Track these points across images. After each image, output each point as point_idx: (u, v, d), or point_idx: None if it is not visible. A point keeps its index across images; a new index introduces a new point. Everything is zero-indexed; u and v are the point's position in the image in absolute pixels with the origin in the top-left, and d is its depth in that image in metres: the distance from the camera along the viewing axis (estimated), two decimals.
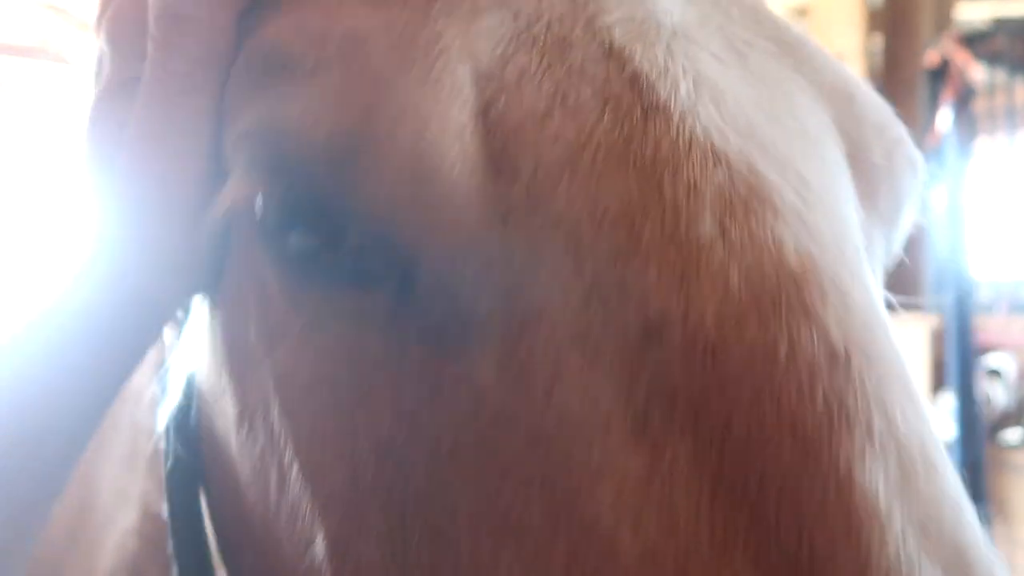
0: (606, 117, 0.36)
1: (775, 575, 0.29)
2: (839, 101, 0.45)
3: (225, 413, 0.47)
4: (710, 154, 0.35)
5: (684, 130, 0.36)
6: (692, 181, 0.34)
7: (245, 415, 0.45)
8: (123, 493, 0.69)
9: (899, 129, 0.48)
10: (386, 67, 0.36)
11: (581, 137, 0.35)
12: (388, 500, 0.37)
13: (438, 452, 0.35)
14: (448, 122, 0.35)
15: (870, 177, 0.44)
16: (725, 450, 0.30)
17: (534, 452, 0.32)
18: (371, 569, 0.38)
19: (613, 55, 0.38)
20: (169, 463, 0.52)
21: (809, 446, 0.29)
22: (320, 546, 0.40)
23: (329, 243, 0.37)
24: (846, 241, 0.37)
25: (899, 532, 0.28)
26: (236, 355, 0.46)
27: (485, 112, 0.36)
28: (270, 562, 0.45)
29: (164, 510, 0.53)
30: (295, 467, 0.41)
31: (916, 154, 0.48)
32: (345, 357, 0.39)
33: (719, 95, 0.39)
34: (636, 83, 0.37)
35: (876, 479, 0.29)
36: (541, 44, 0.37)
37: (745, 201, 0.34)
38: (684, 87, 0.38)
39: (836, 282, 0.33)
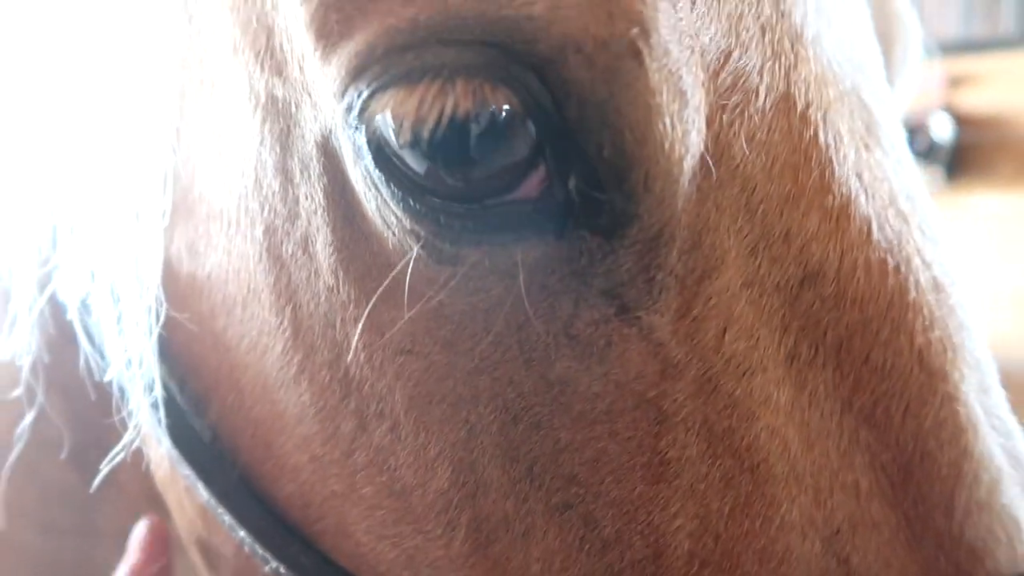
0: (768, 54, 0.36)
1: (887, 473, 0.34)
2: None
3: (251, 328, 0.45)
4: (841, 92, 0.37)
5: (822, 66, 0.37)
6: (837, 125, 0.36)
7: (300, 346, 0.42)
8: None
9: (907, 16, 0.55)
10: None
11: (754, 79, 0.35)
12: (511, 458, 0.37)
13: (588, 412, 0.36)
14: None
15: (891, 65, 0.51)
16: (861, 378, 0.35)
17: (697, 397, 0.35)
18: (491, 521, 0.38)
19: None
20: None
21: (932, 371, 0.35)
22: (421, 498, 0.39)
23: (558, 167, 0.34)
24: (908, 153, 0.41)
25: (984, 434, 0.34)
26: (287, 275, 0.43)
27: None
28: (306, 494, 0.44)
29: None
30: (386, 423, 0.39)
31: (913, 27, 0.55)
32: (487, 317, 0.37)
33: (833, 23, 0.39)
34: (788, 17, 0.37)
35: (969, 391, 0.35)
36: None
37: (866, 142, 0.37)
38: (815, 25, 0.38)
39: (925, 216, 0.38)
